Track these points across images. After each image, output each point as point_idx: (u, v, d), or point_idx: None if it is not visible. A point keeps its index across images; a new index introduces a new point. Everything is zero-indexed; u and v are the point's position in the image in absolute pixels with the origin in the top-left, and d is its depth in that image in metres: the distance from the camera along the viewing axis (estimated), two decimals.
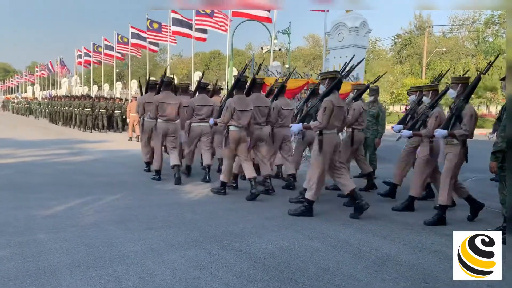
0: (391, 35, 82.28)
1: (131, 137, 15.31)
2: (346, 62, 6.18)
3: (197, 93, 7.92)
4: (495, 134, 7.86)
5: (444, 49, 43.64)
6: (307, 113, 5.84)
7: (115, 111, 19.21)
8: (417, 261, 3.80)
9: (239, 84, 6.26)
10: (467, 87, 5.08)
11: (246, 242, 4.20)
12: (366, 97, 7.94)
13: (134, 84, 31.53)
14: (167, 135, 7.52)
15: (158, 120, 7.48)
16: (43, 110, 29.76)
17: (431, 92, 6.08)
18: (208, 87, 8.15)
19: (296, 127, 5.43)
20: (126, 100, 20.83)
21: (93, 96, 22.28)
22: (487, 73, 5.24)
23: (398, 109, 39.28)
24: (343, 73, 5.87)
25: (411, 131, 5.58)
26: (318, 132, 5.21)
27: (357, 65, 6.20)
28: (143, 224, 4.73)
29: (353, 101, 7.12)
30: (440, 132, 5.01)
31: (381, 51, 53.63)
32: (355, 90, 7.41)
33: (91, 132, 18.35)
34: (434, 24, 55.03)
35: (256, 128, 6.53)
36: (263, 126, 6.76)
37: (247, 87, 6.45)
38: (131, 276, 3.31)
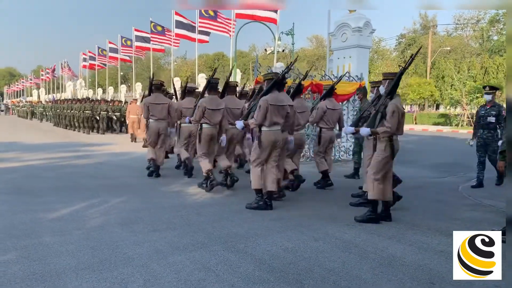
0: (395, 35, 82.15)
1: (132, 134, 15.51)
2: (291, 62, 6.52)
3: (185, 97, 8.32)
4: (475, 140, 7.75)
5: (448, 48, 43.49)
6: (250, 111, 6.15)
7: (115, 113, 19.89)
8: (423, 261, 3.78)
9: (210, 86, 6.67)
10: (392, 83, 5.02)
11: (251, 243, 4.20)
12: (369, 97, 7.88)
13: (138, 87, 31.66)
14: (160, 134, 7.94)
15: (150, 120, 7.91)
16: (45, 113, 30.49)
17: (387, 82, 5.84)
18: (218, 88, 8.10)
19: (239, 124, 6.00)
20: (126, 102, 21.27)
21: (93, 99, 23.03)
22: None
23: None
24: (286, 72, 6.13)
25: (353, 128, 5.50)
26: (257, 129, 5.60)
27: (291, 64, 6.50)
28: (148, 226, 4.74)
29: (321, 100, 7.40)
30: (363, 130, 5.09)
31: (385, 51, 53.52)
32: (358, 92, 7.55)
33: (89, 134, 19.04)
34: (438, 24, 54.80)
35: (230, 127, 6.94)
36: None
37: (220, 89, 6.95)
38: (137, 279, 3.31)
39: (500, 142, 6.62)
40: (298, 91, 6.96)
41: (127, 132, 17.14)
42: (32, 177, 8.03)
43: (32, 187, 7.01)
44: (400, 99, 5.53)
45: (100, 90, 40.36)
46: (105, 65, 35.83)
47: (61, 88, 48.06)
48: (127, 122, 16.14)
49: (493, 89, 7.28)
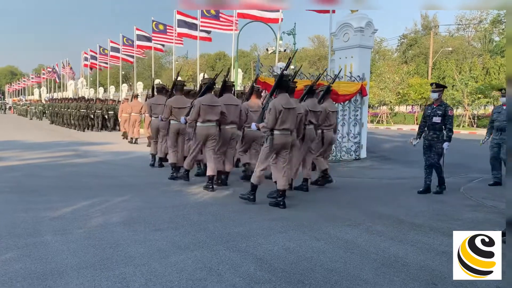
0: (397, 35, 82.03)
1: (125, 132, 15.91)
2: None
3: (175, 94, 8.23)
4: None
5: (450, 48, 43.44)
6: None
7: (109, 112, 20.82)
8: (425, 262, 3.77)
9: (207, 86, 6.88)
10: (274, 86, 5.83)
11: (253, 243, 4.20)
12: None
13: (140, 86, 31.69)
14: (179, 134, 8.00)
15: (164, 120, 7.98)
16: (39, 111, 31.90)
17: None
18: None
19: (253, 126, 6.20)
20: (119, 101, 21.98)
21: (89, 98, 24.07)
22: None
23: (404, 109, 39.13)
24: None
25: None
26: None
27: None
28: (150, 225, 4.73)
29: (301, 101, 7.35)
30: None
31: (386, 51, 53.49)
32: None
33: (84, 131, 19.82)
34: (440, 24, 54.80)
35: (231, 126, 7.13)
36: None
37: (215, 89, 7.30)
38: (138, 278, 3.31)
39: (445, 145, 6.55)
40: (310, 92, 7.07)
41: (119, 130, 17.55)
42: (33, 175, 8.03)
43: (33, 185, 7.01)
44: (315, 101, 6.76)
45: (101, 89, 40.40)
46: (106, 64, 35.85)
47: (62, 87, 48.10)
48: (119, 121, 16.83)
49: (440, 86, 6.84)
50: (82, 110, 20.60)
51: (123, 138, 15.89)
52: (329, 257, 3.84)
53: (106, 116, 20.88)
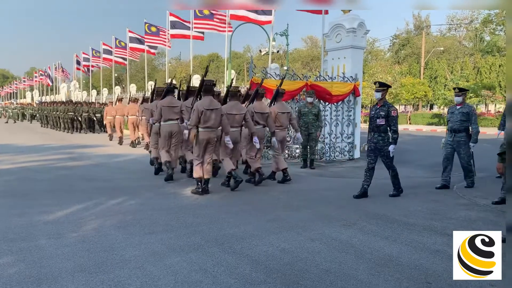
0: (389, 35, 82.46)
1: (111, 135, 16.51)
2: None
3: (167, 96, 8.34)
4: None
5: (442, 48, 43.72)
6: None
7: (96, 114, 21.29)
8: (419, 261, 3.80)
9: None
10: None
11: (248, 244, 4.20)
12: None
13: (133, 88, 31.56)
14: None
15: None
16: (35, 114, 32.35)
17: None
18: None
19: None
20: (105, 104, 22.32)
21: (76, 101, 25.22)
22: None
23: (398, 109, 39.31)
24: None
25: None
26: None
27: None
28: (145, 228, 4.73)
29: (270, 105, 8.21)
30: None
31: (379, 51, 53.71)
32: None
33: (72, 133, 20.40)
34: (432, 24, 55.10)
35: (233, 130, 7.13)
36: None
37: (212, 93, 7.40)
38: (133, 281, 3.31)
39: (391, 147, 6.32)
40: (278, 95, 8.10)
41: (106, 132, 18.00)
42: (26, 179, 7.99)
43: (26, 189, 6.97)
44: (232, 103, 7.12)
45: (94, 92, 40.19)
46: (99, 66, 35.68)
47: (55, 90, 47.78)
48: (105, 123, 17.32)
49: (384, 86, 6.50)
50: (69, 113, 21.30)
51: (110, 140, 16.31)
52: (324, 258, 3.86)
53: (94, 118, 21.36)
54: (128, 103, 16.32)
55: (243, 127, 7.36)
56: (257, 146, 7.36)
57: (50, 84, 48.32)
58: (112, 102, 17.59)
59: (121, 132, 15.47)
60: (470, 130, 7.15)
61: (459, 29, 50.06)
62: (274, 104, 8.12)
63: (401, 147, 10.13)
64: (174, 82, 8.84)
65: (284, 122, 8.00)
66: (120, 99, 16.92)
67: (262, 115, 7.60)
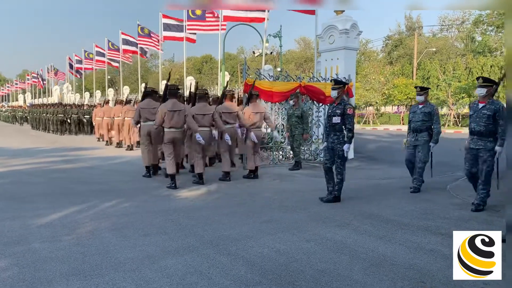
0: (382, 36, 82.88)
1: (99, 138, 16.89)
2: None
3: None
4: None
5: (434, 49, 43.99)
6: None
7: (85, 116, 21.76)
8: (413, 260, 3.82)
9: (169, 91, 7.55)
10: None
11: (243, 246, 4.21)
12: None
13: (126, 90, 31.44)
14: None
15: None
16: (26, 117, 33.01)
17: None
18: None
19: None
20: (94, 106, 22.70)
21: (65, 104, 25.46)
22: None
23: (390, 110, 39.49)
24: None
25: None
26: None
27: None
28: (139, 230, 4.71)
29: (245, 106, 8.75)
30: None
31: (371, 52, 53.93)
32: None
33: (62, 135, 20.82)
34: (424, 25, 55.48)
35: (204, 130, 7.66)
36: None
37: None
38: (128, 284, 3.30)
39: (345, 147, 6.07)
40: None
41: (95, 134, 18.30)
42: (20, 182, 7.94)
43: (20, 193, 6.93)
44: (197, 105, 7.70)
45: (87, 94, 39.99)
46: (92, 69, 35.53)
47: (47, 93, 47.49)
48: (94, 124, 17.73)
49: (340, 83, 6.29)
50: (59, 115, 21.74)
51: (98, 141, 16.77)
52: (319, 258, 3.87)
53: (84, 120, 21.77)
54: (115, 105, 16.75)
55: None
56: (229, 143, 8.01)
57: (43, 86, 48.02)
58: (100, 104, 18.09)
59: (108, 133, 15.94)
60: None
61: (451, 30, 50.41)
62: (248, 105, 8.68)
63: (394, 147, 10.20)
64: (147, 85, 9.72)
65: (257, 122, 8.44)
66: (107, 102, 17.44)
67: (230, 114, 8.29)
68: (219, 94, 10.45)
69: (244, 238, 4.45)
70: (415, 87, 7.35)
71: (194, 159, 7.78)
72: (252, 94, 8.65)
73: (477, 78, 5.93)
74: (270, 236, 4.53)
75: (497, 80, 5.93)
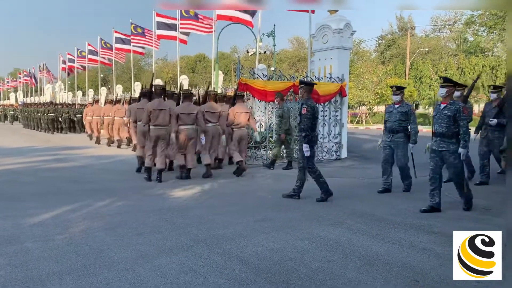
0: (375, 36, 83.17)
1: (90, 135, 16.77)
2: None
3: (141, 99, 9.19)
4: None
5: (426, 49, 44.24)
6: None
7: (77, 115, 21.86)
8: (406, 259, 3.85)
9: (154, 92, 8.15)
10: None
11: (237, 245, 4.21)
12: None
13: (119, 89, 31.27)
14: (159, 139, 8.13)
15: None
16: (16, 116, 33.24)
17: None
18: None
19: None
20: (84, 105, 22.98)
21: (57, 103, 25.86)
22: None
23: (383, 109, 39.68)
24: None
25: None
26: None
27: None
28: (133, 230, 4.70)
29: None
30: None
31: (365, 52, 54.12)
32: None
33: (53, 134, 20.91)
34: (417, 25, 55.77)
35: (187, 127, 8.01)
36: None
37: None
38: (122, 283, 3.29)
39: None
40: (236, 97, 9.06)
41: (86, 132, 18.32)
42: (11, 181, 7.87)
43: (11, 192, 6.87)
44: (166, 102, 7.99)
45: (80, 93, 39.73)
46: (84, 67, 35.26)
47: (39, 91, 47.11)
48: (84, 123, 17.67)
49: (302, 83, 6.40)
50: (50, 114, 21.87)
51: (90, 140, 16.74)
52: (313, 257, 3.88)
53: (75, 119, 21.92)
54: (104, 104, 17.02)
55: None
56: (202, 142, 8.32)
57: (35, 84, 47.63)
58: (91, 103, 18.13)
59: (98, 132, 16.12)
60: (409, 129, 6.86)
61: (443, 30, 50.70)
62: (234, 106, 8.96)
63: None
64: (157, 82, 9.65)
65: (242, 122, 8.74)
66: (96, 101, 17.76)
67: (213, 114, 8.60)
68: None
69: (238, 237, 4.45)
70: (391, 87, 7.27)
71: (175, 154, 8.14)
72: (237, 95, 9.04)
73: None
74: (264, 235, 4.53)
75: (470, 82, 6.04)
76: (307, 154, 6.13)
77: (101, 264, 3.65)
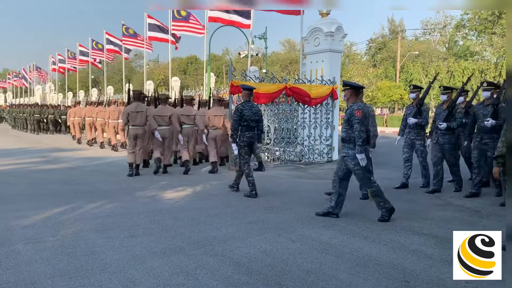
0: (366, 39, 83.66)
1: (74, 136, 17.11)
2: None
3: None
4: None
5: (416, 52, 44.66)
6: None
7: (62, 116, 22.21)
8: (397, 260, 3.89)
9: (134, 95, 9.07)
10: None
11: (229, 246, 4.22)
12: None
13: (110, 90, 31.13)
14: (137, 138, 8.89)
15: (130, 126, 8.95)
16: (4, 117, 34.60)
17: None
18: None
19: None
20: (69, 106, 23.45)
21: (42, 104, 26.43)
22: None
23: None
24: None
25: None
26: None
27: None
28: (125, 231, 4.69)
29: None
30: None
31: (356, 55, 54.46)
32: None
33: (38, 134, 21.44)
34: (407, 28, 56.25)
35: (162, 128, 8.99)
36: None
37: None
38: (115, 285, 3.28)
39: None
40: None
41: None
42: (1, 183, 7.80)
43: (2, 194, 6.81)
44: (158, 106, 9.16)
45: (70, 94, 39.45)
46: (75, 68, 35.03)
47: (29, 92, 46.70)
48: (68, 124, 18.14)
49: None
50: (36, 115, 22.63)
51: (73, 139, 17.15)
52: (305, 258, 3.91)
53: (60, 120, 22.38)
54: (85, 106, 17.69)
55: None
56: (181, 142, 9.36)
57: (26, 85, 47.19)
58: (73, 105, 18.95)
59: (79, 133, 16.88)
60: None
61: (433, 34, 51.21)
62: (210, 109, 10.08)
63: (377, 150, 10.20)
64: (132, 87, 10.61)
65: (216, 124, 9.52)
66: (78, 102, 18.63)
67: (188, 116, 9.72)
68: (205, 97, 12.05)
69: (230, 239, 4.46)
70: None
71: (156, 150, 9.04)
72: (214, 99, 10.24)
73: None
74: (257, 237, 4.55)
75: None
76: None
77: (93, 266, 3.64)
